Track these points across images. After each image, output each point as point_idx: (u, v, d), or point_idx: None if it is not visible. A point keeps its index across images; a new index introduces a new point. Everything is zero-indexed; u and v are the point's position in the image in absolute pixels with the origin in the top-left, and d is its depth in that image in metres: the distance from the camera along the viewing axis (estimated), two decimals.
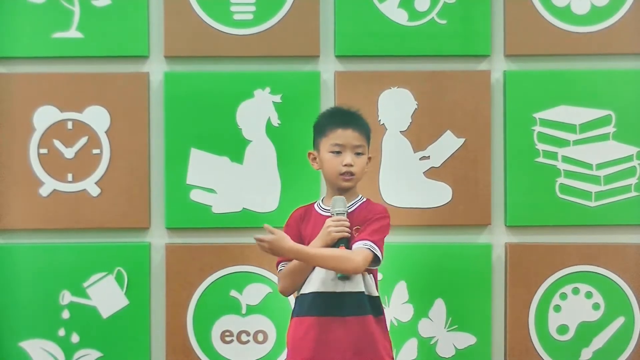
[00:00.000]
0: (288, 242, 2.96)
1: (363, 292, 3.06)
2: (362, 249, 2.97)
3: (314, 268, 3.04)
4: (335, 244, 2.98)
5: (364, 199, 3.15)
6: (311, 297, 3.04)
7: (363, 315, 3.05)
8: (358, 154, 3.09)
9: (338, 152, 3.08)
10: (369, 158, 3.16)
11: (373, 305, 3.09)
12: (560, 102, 3.97)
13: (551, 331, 3.96)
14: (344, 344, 3.01)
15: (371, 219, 3.09)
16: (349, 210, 3.07)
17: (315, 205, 3.15)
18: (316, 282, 3.04)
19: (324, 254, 2.96)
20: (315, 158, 3.14)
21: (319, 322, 3.02)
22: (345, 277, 2.97)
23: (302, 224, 3.12)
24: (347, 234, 2.99)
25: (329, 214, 3.05)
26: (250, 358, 3.94)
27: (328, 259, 2.96)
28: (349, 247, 2.98)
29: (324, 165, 3.11)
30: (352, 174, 3.07)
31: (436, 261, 3.93)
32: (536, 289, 3.94)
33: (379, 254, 3.00)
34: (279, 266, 3.11)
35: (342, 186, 3.09)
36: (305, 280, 3.07)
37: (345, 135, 3.08)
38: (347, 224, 3.00)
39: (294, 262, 3.05)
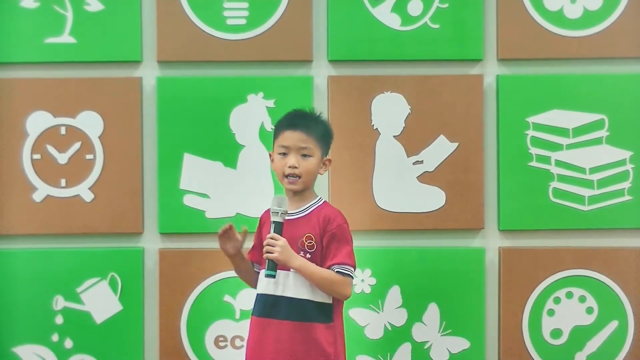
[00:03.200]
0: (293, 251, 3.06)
1: (307, 299, 3.07)
2: (347, 277, 3.08)
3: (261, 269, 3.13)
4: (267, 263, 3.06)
5: (321, 202, 3.17)
6: (257, 297, 3.14)
7: (305, 322, 3.06)
8: (304, 155, 3.11)
9: (284, 154, 3.12)
10: (328, 160, 3.18)
11: (321, 312, 3.09)
12: (553, 106, 3.97)
13: (545, 335, 3.96)
14: (278, 346, 3.05)
15: (337, 235, 3.10)
16: (294, 218, 3.11)
17: None
18: (261, 283, 3.12)
19: (324, 276, 3.05)
20: (273, 160, 3.19)
21: (259, 322, 3.10)
22: (272, 274, 3.04)
23: (264, 227, 3.19)
24: (271, 256, 3.02)
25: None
26: None
27: (327, 281, 3.06)
28: (274, 268, 3.04)
29: (273, 167, 3.16)
30: (296, 175, 3.09)
31: (430, 265, 3.94)
32: (530, 293, 3.95)
33: (354, 276, 3.11)
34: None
35: (288, 189, 3.14)
36: (248, 281, 3.25)
37: (290, 137, 3.12)
38: (276, 243, 3.02)
39: (236, 263, 3.20)
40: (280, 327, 3.06)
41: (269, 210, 3.15)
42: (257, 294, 3.14)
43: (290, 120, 3.19)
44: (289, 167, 3.10)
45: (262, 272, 3.10)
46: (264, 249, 3.03)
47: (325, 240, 3.10)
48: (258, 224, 3.27)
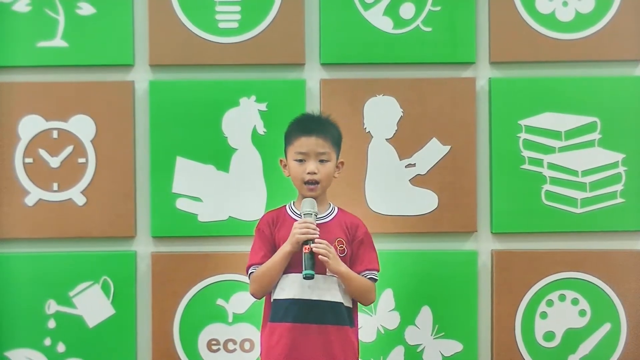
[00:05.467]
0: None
1: (342, 302, 3.08)
2: (373, 284, 3.15)
3: (284, 273, 3.08)
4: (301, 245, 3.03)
5: (337, 209, 3.19)
6: (287, 303, 3.08)
7: (342, 325, 3.08)
8: (322, 161, 3.12)
9: (302, 160, 3.11)
10: (341, 163, 3.19)
11: (350, 316, 3.12)
12: (545, 109, 3.97)
13: (537, 338, 3.96)
14: (319, 350, 3.04)
15: (365, 241, 3.17)
16: (326, 221, 3.12)
17: (287, 209, 3.20)
18: (292, 289, 3.07)
19: (362, 282, 3.11)
20: (285, 165, 3.19)
21: (293, 328, 3.06)
22: (310, 276, 3.00)
23: (275, 227, 3.16)
24: (312, 236, 3.01)
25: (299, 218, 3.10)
26: None
27: (363, 288, 3.12)
28: (313, 268, 3.01)
29: (291, 173, 3.15)
30: (315, 182, 3.10)
31: (422, 268, 3.93)
32: (522, 296, 3.94)
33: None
34: (250, 269, 3.15)
35: (307, 195, 3.14)
36: (274, 284, 3.11)
37: (308, 143, 3.12)
38: (313, 226, 3.03)
39: (266, 266, 3.09)
40: (324, 330, 3.07)
41: (272, 213, 3.19)
42: (282, 300, 3.09)
43: (305, 125, 3.17)
44: (308, 173, 3.10)
45: (286, 278, 3.08)
46: (299, 232, 3.00)
47: (355, 246, 3.16)
48: (266, 228, 3.19)
